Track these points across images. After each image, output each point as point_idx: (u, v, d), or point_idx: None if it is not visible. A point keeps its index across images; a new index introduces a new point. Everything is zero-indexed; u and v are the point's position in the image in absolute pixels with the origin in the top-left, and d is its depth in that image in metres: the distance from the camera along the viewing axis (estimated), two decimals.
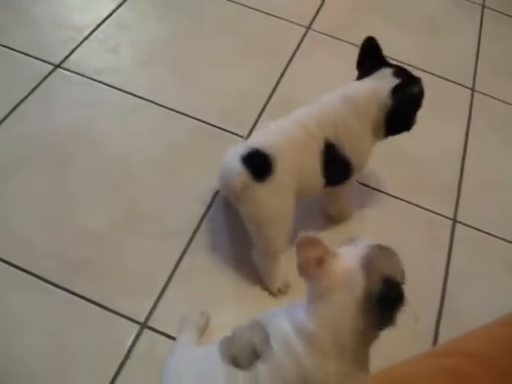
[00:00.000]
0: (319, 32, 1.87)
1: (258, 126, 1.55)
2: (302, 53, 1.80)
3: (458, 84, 1.86)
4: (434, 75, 1.86)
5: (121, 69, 1.62)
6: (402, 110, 1.20)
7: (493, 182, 1.60)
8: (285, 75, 1.71)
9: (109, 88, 1.56)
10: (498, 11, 2.21)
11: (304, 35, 1.86)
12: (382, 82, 1.20)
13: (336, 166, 1.22)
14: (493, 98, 1.85)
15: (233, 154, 1.16)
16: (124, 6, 1.79)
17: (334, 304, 0.85)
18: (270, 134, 1.18)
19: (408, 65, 1.73)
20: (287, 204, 1.18)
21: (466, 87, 1.86)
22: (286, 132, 1.18)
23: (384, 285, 0.82)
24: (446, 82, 1.85)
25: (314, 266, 0.86)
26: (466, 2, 2.21)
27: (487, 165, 1.64)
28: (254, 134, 1.27)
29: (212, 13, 1.86)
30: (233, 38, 1.79)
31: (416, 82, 1.20)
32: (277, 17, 1.90)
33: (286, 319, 0.89)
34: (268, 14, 1.90)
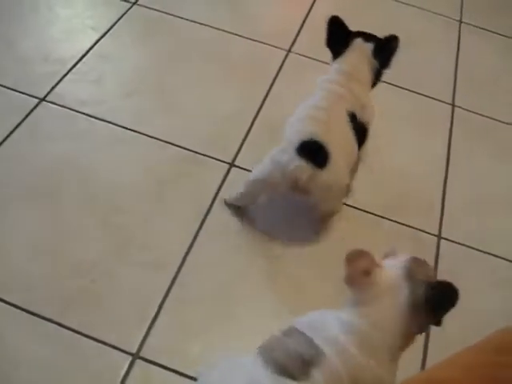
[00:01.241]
0: (300, 54, 1.90)
1: (242, 150, 1.57)
2: (284, 76, 1.83)
3: (438, 100, 1.89)
4: (414, 92, 1.89)
5: (105, 100, 1.63)
6: (386, 63, 1.45)
7: (476, 197, 1.62)
8: (267, 99, 1.74)
9: (93, 119, 1.57)
10: (474, 26, 2.24)
11: (285, 58, 1.89)
12: (362, 51, 1.43)
13: (359, 131, 1.40)
14: (473, 112, 1.88)
15: (281, 153, 1.30)
16: (106, 36, 1.82)
17: (383, 308, 0.94)
18: (310, 124, 1.33)
19: (387, 82, 1.76)
20: (346, 177, 1.38)
21: (446, 103, 1.89)
22: (320, 118, 1.33)
23: (433, 288, 0.92)
24: (425, 98, 1.88)
25: (361, 275, 0.95)
26: (444, 17, 2.25)
27: (470, 179, 1.67)
28: (287, 126, 1.37)
29: (193, 39, 1.89)
30: (214, 63, 1.82)
31: (383, 39, 1.44)
32: (257, 41, 1.93)
33: (333, 323, 0.95)
34: (248, 38, 1.93)
